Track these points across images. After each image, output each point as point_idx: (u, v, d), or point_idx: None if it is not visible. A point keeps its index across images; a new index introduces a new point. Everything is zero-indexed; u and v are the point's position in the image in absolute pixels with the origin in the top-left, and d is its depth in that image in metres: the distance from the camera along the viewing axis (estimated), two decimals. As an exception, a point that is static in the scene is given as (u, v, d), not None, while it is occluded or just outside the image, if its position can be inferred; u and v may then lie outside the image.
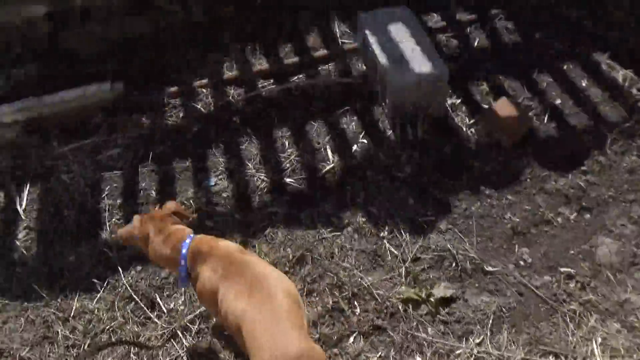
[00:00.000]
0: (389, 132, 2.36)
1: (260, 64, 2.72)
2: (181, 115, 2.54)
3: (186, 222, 1.58)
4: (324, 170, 2.29)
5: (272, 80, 2.65)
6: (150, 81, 2.63)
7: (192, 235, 1.47)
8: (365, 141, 2.38)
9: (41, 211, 2.21)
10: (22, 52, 2.62)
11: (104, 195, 2.26)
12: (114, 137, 2.44)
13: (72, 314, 1.86)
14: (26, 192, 2.30)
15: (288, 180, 2.29)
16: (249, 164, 2.35)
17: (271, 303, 1.23)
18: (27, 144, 2.44)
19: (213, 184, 2.30)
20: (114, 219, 2.15)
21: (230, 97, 2.57)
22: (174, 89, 2.58)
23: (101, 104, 2.52)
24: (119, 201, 2.23)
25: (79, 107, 2.51)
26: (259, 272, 1.33)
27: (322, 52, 2.71)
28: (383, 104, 2.42)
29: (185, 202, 2.20)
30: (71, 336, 1.80)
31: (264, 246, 2.02)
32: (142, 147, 2.42)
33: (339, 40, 2.78)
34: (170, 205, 1.57)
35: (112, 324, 1.81)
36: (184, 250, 1.41)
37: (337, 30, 2.82)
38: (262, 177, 2.29)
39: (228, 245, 1.46)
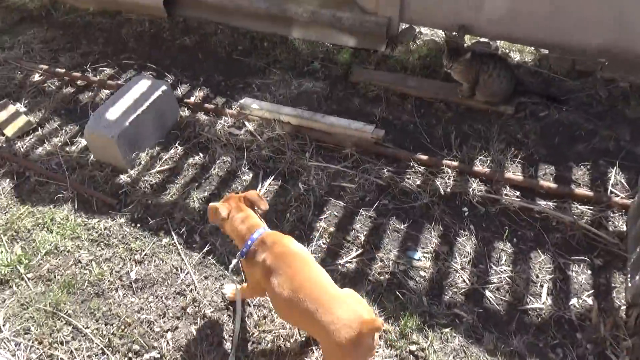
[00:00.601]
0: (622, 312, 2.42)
1: (514, 172, 3.08)
2: (418, 181, 3.07)
3: (260, 211, 2.17)
4: (529, 306, 2.50)
5: (517, 193, 2.98)
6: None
7: (266, 228, 2.08)
8: (590, 302, 2.49)
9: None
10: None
11: (322, 217, 2.92)
12: (355, 173, 3.12)
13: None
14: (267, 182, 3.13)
15: (488, 294, 2.57)
16: (458, 258, 2.71)
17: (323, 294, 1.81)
18: (287, 145, 3.31)
19: (417, 258, 2.74)
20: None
21: (470, 188, 2.99)
22: (424, 157, 3.14)
23: (357, 141, 3.25)
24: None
25: (340, 134, 3.29)
26: (307, 274, 1.90)
27: (584, 191, 2.93)
28: (629, 277, 2.50)
29: (384, 261, 2.69)
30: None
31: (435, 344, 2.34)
32: (374, 193, 3.02)
33: (609, 188, 2.95)
34: (251, 192, 2.16)
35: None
36: (255, 235, 2.01)
37: (613, 177, 3.00)
38: (465, 278, 2.63)
39: (289, 246, 2.01)
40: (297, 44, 4.27)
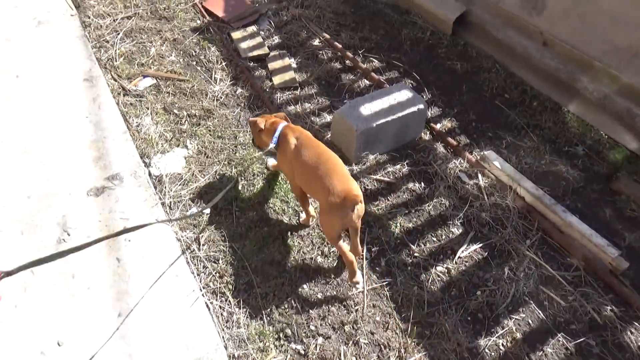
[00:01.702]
0: None
1: None
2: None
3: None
4: None
5: None
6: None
7: (284, 123, 2.81)
8: None
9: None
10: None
11: (513, 317, 2.60)
12: (572, 290, 2.70)
13: None
14: (473, 247, 2.90)
15: None
16: None
17: (333, 164, 2.52)
18: (511, 220, 3.01)
19: None
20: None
21: None
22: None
23: (590, 258, 2.80)
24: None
25: (574, 240, 2.87)
26: (323, 149, 2.64)
27: None
28: None
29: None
30: None
31: None
32: (583, 325, 2.59)
33: None
34: (280, 114, 2.94)
35: None
36: (279, 128, 2.79)
37: None
38: None
39: (306, 132, 2.76)
40: (568, 118, 3.83)
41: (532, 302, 2.68)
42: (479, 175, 3.31)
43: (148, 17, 4.63)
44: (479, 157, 3.44)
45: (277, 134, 2.74)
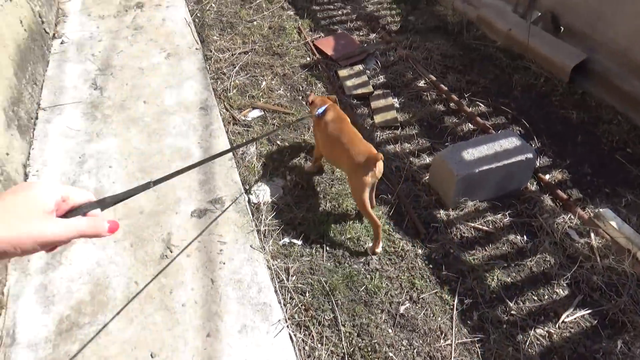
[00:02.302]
0: None
1: None
2: None
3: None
4: None
5: None
6: None
7: (330, 103, 3.27)
8: None
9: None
10: None
11: None
12: None
13: None
14: (580, 313, 2.61)
15: None
16: None
17: (354, 134, 3.00)
18: (628, 287, 2.69)
19: None
20: None
21: None
22: None
23: None
24: None
25: None
26: (348, 126, 3.08)
27: None
28: None
29: None
30: None
31: None
32: None
33: None
34: (333, 96, 3.37)
35: None
36: (323, 107, 3.22)
37: None
38: None
39: (344, 115, 3.20)
40: None
41: (650, 385, 2.35)
42: (592, 234, 3.04)
43: (263, 53, 4.96)
44: (592, 215, 3.16)
45: (322, 109, 3.17)
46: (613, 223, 3.05)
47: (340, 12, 6.01)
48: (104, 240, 2.93)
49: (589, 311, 2.67)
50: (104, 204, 0.85)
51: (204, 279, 2.73)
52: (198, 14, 5.65)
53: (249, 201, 3.28)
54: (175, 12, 5.51)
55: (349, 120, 3.16)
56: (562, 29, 4.79)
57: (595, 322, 2.63)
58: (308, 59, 4.97)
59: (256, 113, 4.14)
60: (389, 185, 3.49)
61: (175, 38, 5.01)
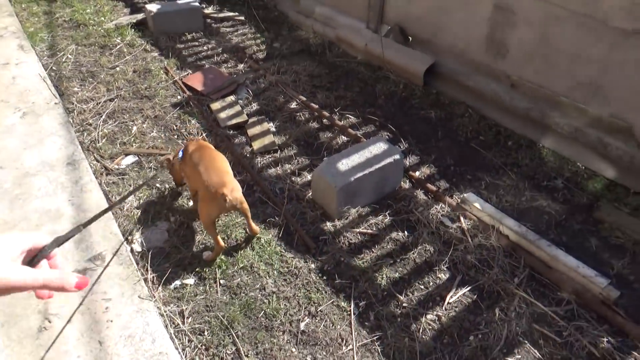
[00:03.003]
0: None
1: None
2: None
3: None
4: None
5: None
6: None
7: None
8: None
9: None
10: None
11: (508, 359, 2.54)
12: (566, 326, 2.65)
13: None
14: (462, 291, 2.86)
15: None
16: None
17: (213, 161, 2.98)
18: (497, 260, 3.01)
19: None
20: None
21: None
22: None
23: (580, 290, 2.77)
24: None
25: (562, 274, 2.85)
26: (210, 152, 3.06)
27: None
28: None
29: None
30: None
31: None
32: (583, 365, 2.52)
33: None
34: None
35: None
36: (181, 150, 3.20)
37: None
38: None
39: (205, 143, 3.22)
40: (544, 153, 3.91)
41: (526, 341, 2.63)
42: (461, 218, 3.34)
43: (130, 98, 4.83)
44: (459, 200, 3.48)
45: (180, 152, 3.18)
46: (477, 204, 3.38)
47: (205, 48, 6.05)
48: (-32, 326, 2.64)
49: (468, 288, 2.93)
50: (59, 241, 0.90)
51: (91, 342, 2.57)
52: (53, 67, 5.37)
53: (131, 251, 3.15)
54: (27, 68, 5.19)
55: (212, 148, 3.17)
56: (410, 38, 5.27)
57: (475, 296, 2.89)
58: (179, 97, 4.93)
59: (130, 159, 4.01)
60: (274, 207, 3.56)
61: (29, 96, 4.71)
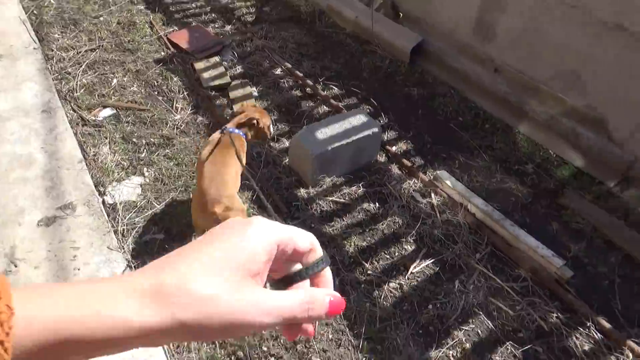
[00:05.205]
0: None
1: None
2: (586, 347, 2.63)
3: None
4: None
5: None
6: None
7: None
8: None
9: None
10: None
11: (463, 328, 2.68)
12: (520, 300, 2.80)
13: None
14: (425, 262, 2.99)
15: None
16: None
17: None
18: (462, 235, 3.13)
19: None
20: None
21: None
22: (607, 324, 2.68)
23: (537, 269, 2.92)
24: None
25: (522, 252, 3.00)
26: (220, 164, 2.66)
27: None
28: None
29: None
30: None
31: None
32: (531, 333, 2.68)
33: None
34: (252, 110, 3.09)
35: None
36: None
37: None
38: None
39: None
40: (518, 138, 4.03)
41: (481, 313, 2.77)
42: (432, 194, 3.45)
43: (112, 50, 4.76)
44: (432, 177, 3.58)
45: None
46: (448, 182, 3.48)
47: (193, 5, 5.96)
48: None
49: (431, 260, 3.05)
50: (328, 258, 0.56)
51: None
52: (34, 11, 5.23)
53: (103, 203, 3.18)
54: (5, 9, 5.05)
55: (230, 153, 2.71)
56: (401, 15, 5.27)
57: (437, 269, 3.01)
58: (162, 53, 4.88)
59: (108, 112, 3.99)
60: (250, 171, 3.60)
61: (7, 38, 4.60)
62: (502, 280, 2.93)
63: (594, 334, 2.69)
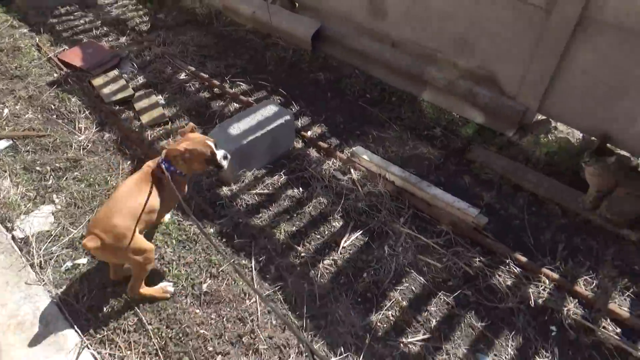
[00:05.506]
0: None
1: (620, 306, 2.74)
2: (509, 282, 2.86)
3: None
4: None
5: (619, 330, 2.65)
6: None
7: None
8: None
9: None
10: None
11: (398, 288, 2.82)
12: (445, 253, 2.99)
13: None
14: (355, 235, 3.10)
15: None
16: (532, 383, 2.45)
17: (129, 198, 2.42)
18: (385, 204, 3.28)
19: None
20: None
21: (565, 308, 2.72)
22: (523, 258, 2.92)
23: (456, 221, 3.12)
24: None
25: (440, 209, 3.19)
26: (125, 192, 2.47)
27: None
28: None
29: (450, 354, 2.51)
30: None
31: None
32: (459, 280, 2.87)
33: None
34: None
35: None
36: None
37: None
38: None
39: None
40: (424, 106, 4.24)
41: (412, 271, 2.92)
42: (352, 170, 3.56)
43: (-3, 79, 4.45)
44: (349, 154, 3.69)
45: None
46: (364, 156, 3.61)
47: (82, 21, 5.71)
48: None
49: (360, 232, 3.16)
50: None
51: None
52: None
53: (13, 238, 2.99)
54: None
55: (144, 184, 2.51)
56: (297, 4, 5.35)
57: (367, 239, 3.13)
58: (55, 75, 4.64)
59: (3, 144, 3.74)
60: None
61: None
62: (427, 238, 3.09)
63: (514, 269, 2.92)
